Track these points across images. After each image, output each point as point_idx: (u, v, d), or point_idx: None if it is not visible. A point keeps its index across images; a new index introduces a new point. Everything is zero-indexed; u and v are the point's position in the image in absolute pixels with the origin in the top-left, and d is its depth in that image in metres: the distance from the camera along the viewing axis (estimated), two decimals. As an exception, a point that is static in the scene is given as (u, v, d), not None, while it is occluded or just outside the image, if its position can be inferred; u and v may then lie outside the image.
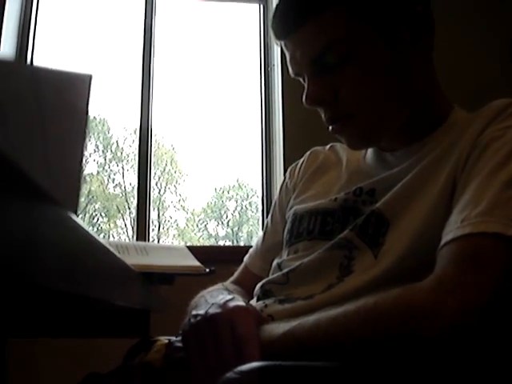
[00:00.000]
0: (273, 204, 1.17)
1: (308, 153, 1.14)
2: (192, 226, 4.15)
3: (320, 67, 0.88)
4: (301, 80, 0.94)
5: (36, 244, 0.27)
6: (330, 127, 0.92)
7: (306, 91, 0.90)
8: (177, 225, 4.15)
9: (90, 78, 0.33)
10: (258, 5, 2.92)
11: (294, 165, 1.16)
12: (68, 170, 0.27)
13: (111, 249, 0.40)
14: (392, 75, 0.87)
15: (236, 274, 1.15)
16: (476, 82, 2.61)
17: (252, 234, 3.74)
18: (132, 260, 0.70)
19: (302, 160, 1.14)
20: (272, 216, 1.15)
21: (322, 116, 0.92)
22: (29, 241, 0.26)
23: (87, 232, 0.32)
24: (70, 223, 0.30)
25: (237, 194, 4.12)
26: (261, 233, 1.18)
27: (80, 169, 0.28)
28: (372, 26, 0.86)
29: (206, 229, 4.15)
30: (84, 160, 0.27)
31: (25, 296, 0.43)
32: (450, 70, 2.61)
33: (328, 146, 1.12)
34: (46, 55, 2.87)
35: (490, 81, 2.62)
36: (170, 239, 4.09)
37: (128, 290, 0.56)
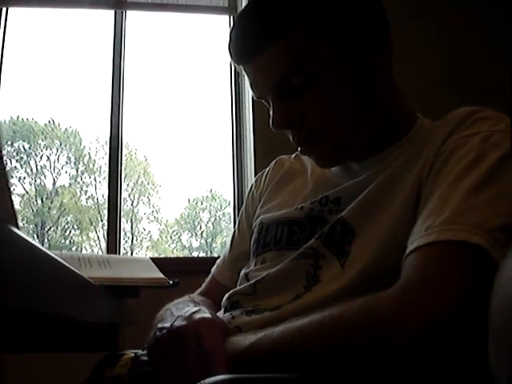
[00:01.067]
0: (240, 213, 1.17)
1: (274, 161, 1.14)
2: (165, 237, 4.12)
3: (284, 91, 0.87)
4: (264, 102, 0.94)
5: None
6: (299, 148, 0.92)
7: (272, 116, 0.90)
8: (150, 237, 4.13)
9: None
10: (227, 16, 2.92)
11: (260, 174, 1.16)
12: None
13: (63, 261, 0.39)
14: (356, 92, 0.87)
15: (203, 285, 1.14)
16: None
17: (226, 244, 3.74)
18: (94, 273, 0.69)
19: (267, 169, 1.14)
20: (239, 225, 1.15)
21: (290, 138, 0.92)
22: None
23: (33, 245, 0.32)
24: (13, 237, 0.29)
25: (210, 205, 4.11)
26: (228, 242, 1.17)
27: (4, 176, 0.27)
28: (333, 45, 0.85)
29: (180, 240, 4.13)
30: (5, 165, 0.26)
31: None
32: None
33: (293, 155, 1.12)
34: (15, 68, 2.84)
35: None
36: (143, 251, 4.06)
37: (88, 304, 0.55)
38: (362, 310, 0.66)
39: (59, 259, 0.38)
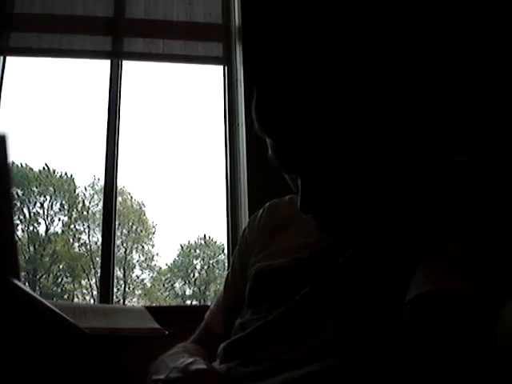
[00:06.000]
0: (232, 257, 1.14)
1: (267, 205, 1.11)
2: (158, 285, 4.08)
3: (316, 176, 0.82)
4: (285, 174, 0.88)
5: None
6: (315, 223, 0.88)
7: (301, 199, 0.84)
8: (143, 284, 4.09)
9: (4, 138, 0.31)
10: (222, 66, 2.97)
11: (253, 217, 1.12)
12: (1, 234, 0.26)
13: (60, 313, 0.38)
14: (385, 184, 0.84)
15: (197, 332, 1.11)
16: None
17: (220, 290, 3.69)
18: (89, 323, 0.68)
19: (260, 212, 1.11)
20: (232, 270, 1.12)
21: (310, 216, 0.87)
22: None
23: (33, 296, 0.31)
24: (14, 291, 0.29)
25: (204, 253, 4.08)
26: (221, 288, 1.15)
27: (13, 232, 0.27)
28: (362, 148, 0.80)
29: (173, 288, 4.09)
30: (14, 222, 0.26)
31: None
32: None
33: (287, 198, 1.09)
34: (11, 115, 2.87)
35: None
36: (135, 299, 4.02)
37: (83, 355, 0.54)
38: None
39: (57, 311, 0.37)
